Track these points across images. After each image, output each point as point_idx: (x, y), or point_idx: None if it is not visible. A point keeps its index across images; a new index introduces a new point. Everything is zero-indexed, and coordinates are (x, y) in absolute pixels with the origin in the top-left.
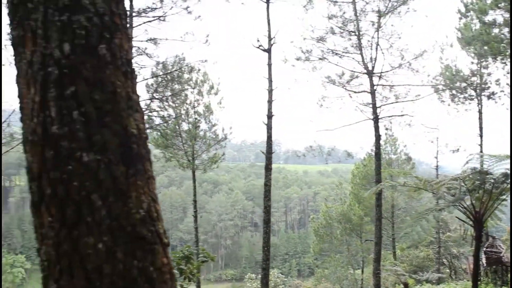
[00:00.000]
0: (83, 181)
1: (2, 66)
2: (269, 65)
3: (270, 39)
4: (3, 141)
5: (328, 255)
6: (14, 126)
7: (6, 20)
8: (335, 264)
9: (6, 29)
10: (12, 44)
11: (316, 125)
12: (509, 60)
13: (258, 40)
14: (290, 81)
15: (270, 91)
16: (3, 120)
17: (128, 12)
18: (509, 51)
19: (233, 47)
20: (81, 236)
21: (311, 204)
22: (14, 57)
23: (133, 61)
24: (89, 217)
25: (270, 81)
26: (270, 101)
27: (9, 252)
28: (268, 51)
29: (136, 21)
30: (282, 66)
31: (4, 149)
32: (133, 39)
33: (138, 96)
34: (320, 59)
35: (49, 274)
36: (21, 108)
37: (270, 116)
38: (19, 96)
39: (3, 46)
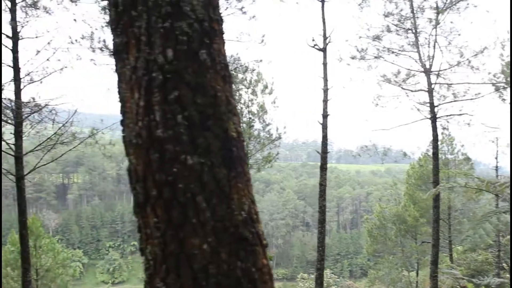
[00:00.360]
0: (188, 183)
1: (64, 69)
2: (325, 64)
3: (325, 38)
4: (64, 140)
5: (382, 256)
6: (76, 127)
7: (5, 20)
8: (389, 265)
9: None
10: (115, 51)
11: (371, 125)
12: None
13: (313, 39)
14: (345, 80)
15: (326, 90)
16: (67, 120)
17: None
18: None
19: (287, 46)
20: (187, 236)
21: (363, 204)
22: (115, 63)
23: None
24: (194, 218)
25: (326, 80)
26: (325, 101)
27: (68, 247)
28: (323, 50)
29: None
30: (337, 65)
31: (65, 148)
32: None
33: (235, 100)
34: (375, 57)
35: (154, 272)
36: (123, 112)
37: (325, 115)
38: (121, 101)
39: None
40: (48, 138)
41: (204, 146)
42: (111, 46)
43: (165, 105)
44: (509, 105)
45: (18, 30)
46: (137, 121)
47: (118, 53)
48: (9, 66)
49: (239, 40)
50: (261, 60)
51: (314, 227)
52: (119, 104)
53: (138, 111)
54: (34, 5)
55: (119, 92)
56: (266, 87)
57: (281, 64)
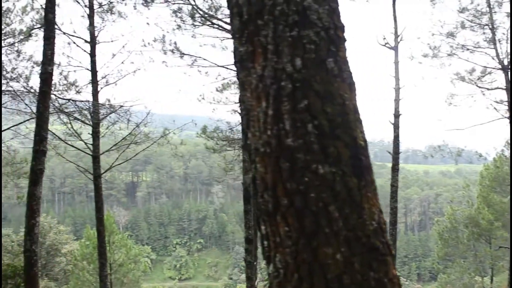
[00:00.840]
0: (320, 192)
1: (137, 71)
2: (396, 63)
3: (396, 36)
4: (137, 140)
5: (453, 260)
6: (149, 127)
7: (84, 26)
8: (461, 270)
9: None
10: (239, 59)
11: (444, 124)
12: None
13: (384, 38)
14: (417, 79)
15: (397, 90)
16: (141, 121)
17: None
18: None
19: (357, 45)
20: (320, 246)
21: (432, 206)
22: (238, 72)
23: None
24: (327, 228)
25: (397, 79)
26: (397, 100)
27: (137, 243)
28: (395, 48)
29: None
30: (409, 64)
31: (137, 147)
32: None
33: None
34: (448, 55)
35: (285, 281)
36: (248, 120)
37: (397, 115)
38: (244, 109)
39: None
40: (123, 138)
41: (334, 155)
42: (182, 48)
43: (295, 113)
44: None
45: (95, 35)
46: (265, 129)
47: (243, 61)
48: (87, 69)
49: None
50: None
51: None
52: (243, 113)
53: (267, 120)
54: (110, 11)
55: (243, 101)
56: None
57: (350, 62)
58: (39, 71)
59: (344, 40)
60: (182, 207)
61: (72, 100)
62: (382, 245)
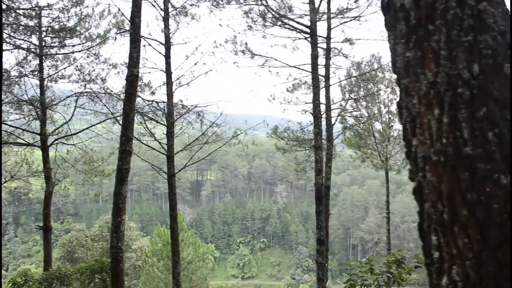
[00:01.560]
0: (503, 203)
1: (209, 72)
2: None
3: None
4: (209, 140)
5: None
6: (222, 127)
7: (160, 28)
8: None
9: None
10: (405, 65)
11: None
12: None
13: None
14: None
15: None
16: (214, 121)
17: (326, 15)
18: None
19: None
20: (507, 259)
21: None
22: (400, 77)
23: (330, 62)
24: None
25: None
26: None
27: (201, 241)
28: None
29: (333, 22)
30: None
31: (209, 147)
32: (330, 40)
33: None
34: None
35: None
36: (414, 128)
37: None
38: (409, 116)
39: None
40: (196, 139)
41: None
42: (252, 49)
43: (473, 121)
44: None
45: (170, 37)
46: (438, 137)
47: (409, 67)
48: (162, 70)
49: (384, 39)
50: None
51: None
52: (407, 119)
53: (441, 127)
54: (184, 13)
55: (407, 107)
56: None
57: None
58: (116, 73)
59: None
60: (245, 206)
61: (156, 102)
62: None
